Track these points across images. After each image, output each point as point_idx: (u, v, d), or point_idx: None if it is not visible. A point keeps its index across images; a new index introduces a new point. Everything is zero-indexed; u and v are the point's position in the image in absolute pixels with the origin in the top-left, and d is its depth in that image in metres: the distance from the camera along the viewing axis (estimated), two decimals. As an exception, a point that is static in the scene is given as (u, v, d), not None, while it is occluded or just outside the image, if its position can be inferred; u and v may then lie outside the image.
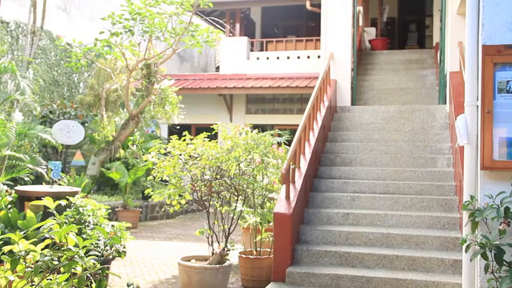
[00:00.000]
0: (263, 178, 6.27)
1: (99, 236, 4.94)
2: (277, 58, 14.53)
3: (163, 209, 11.37)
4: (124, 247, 5.21)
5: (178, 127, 12.05)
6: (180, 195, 6.14)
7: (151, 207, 11.38)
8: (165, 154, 6.71)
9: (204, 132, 6.20)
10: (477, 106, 3.93)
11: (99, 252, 4.76)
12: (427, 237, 5.51)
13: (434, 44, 11.76)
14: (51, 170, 7.08)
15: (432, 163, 6.98)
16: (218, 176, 5.86)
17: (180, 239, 9.06)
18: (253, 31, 16.57)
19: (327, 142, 7.77)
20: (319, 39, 11.61)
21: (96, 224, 5.26)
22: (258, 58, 14.80)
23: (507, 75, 3.81)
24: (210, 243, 5.75)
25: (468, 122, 3.97)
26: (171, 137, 6.51)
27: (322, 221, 6.10)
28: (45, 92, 12.45)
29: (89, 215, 5.23)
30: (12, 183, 8.43)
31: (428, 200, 6.19)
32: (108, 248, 5.00)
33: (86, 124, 11.70)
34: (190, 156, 6.06)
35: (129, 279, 5.47)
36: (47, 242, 3.03)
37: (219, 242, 5.78)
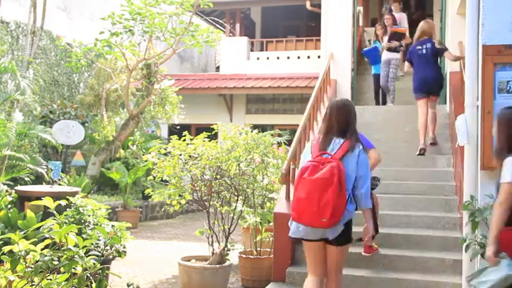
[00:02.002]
0: (263, 178, 6.27)
1: (99, 236, 4.94)
2: (278, 58, 14.53)
3: (163, 209, 11.38)
4: (124, 247, 5.21)
5: (178, 127, 12.05)
6: (180, 195, 6.14)
7: (151, 207, 11.38)
8: (165, 154, 6.70)
9: (204, 132, 6.19)
10: (477, 106, 3.93)
11: (99, 252, 4.76)
12: (427, 237, 5.51)
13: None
14: (51, 170, 7.07)
15: (432, 163, 6.98)
16: (218, 176, 5.86)
17: (180, 239, 9.05)
18: (253, 31, 16.57)
19: (327, 142, 7.75)
20: (319, 39, 11.60)
21: (96, 224, 5.26)
22: (258, 58, 14.79)
23: (507, 75, 3.81)
24: (210, 243, 5.75)
25: (468, 122, 3.97)
26: (171, 137, 6.51)
27: (322, 221, 6.08)
28: (45, 92, 12.45)
29: (89, 215, 5.23)
30: (12, 183, 8.43)
31: (429, 200, 6.18)
32: (108, 248, 5.00)
33: (86, 124, 11.70)
34: (190, 156, 6.06)
35: (129, 279, 5.48)
36: (47, 242, 3.02)
37: (219, 242, 5.78)
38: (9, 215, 5.58)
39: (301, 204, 3.58)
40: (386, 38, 9.31)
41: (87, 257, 2.92)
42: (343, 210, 3.53)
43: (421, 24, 7.19)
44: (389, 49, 9.09)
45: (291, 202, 3.76)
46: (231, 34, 15.49)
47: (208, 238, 5.79)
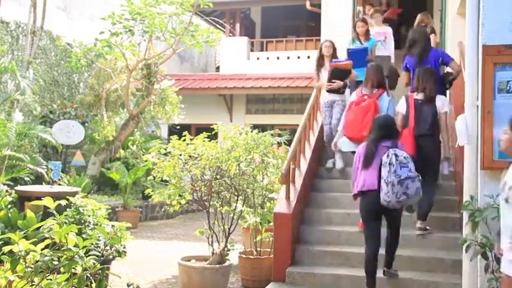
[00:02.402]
0: (263, 178, 6.27)
1: (99, 236, 4.94)
2: (277, 58, 14.52)
3: (163, 209, 11.37)
4: (124, 247, 5.21)
5: (178, 127, 12.05)
6: (180, 195, 6.14)
7: (151, 207, 11.38)
8: (165, 154, 6.71)
9: (204, 132, 6.19)
10: (477, 106, 3.93)
11: (99, 252, 4.76)
12: (427, 237, 5.51)
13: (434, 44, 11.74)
14: (51, 170, 7.07)
15: (432, 163, 6.96)
16: (218, 176, 5.87)
17: (180, 239, 9.05)
18: (253, 31, 16.56)
19: (327, 142, 7.76)
20: (319, 39, 11.60)
21: (96, 224, 5.26)
22: (258, 58, 14.79)
23: (507, 75, 3.81)
24: (210, 243, 5.75)
25: (468, 122, 3.97)
26: (171, 137, 6.51)
27: (323, 221, 6.09)
28: (45, 92, 12.45)
29: (89, 215, 5.23)
30: (12, 183, 8.43)
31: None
32: (108, 248, 5.00)
33: (86, 124, 11.70)
34: (190, 156, 6.06)
35: (129, 279, 5.48)
36: (47, 242, 3.02)
37: (219, 242, 5.78)
38: (9, 215, 5.58)
39: (350, 123, 5.64)
40: (325, 73, 6.88)
41: (87, 257, 2.92)
42: None
43: (419, 15, 7.82)
44: (331, 90, 6.79)
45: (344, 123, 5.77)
46: (231, 34, 15.48)
47: (208, 238, 5.79)
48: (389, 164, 4.41)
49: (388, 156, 4.47)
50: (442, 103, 5.44)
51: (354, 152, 5.43)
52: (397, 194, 4.36)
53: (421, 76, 5.47)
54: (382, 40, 7.83)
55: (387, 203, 4.43)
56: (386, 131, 4.69)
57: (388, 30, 8.05)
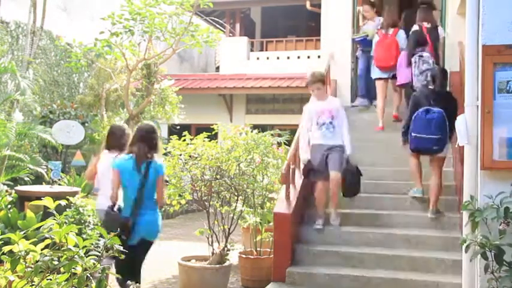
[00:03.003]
0: (263, 178, 6.27)
1: (99, 236, 4.93)
2: (277, 58, 14.52)
3: (163, 209, 11.33)
4: (124, 247, 5.20)
5: (178, 127, 12.03)
6: (180, 195, 6.15)
7: (151, 207, 11.36)
8: (165, 154, 6.71)
9: (204, 132, 6.20)
10: (477, 106, 3.93)
11: (99, 252, 4.76)
12: (427, 237, 5.51)
13: (434, 44, 11.72)
14: (51, 170, 7.07)
15: (432, 163, 6.96)
16: (218, 176, 5.87)
17: (180, 239, 9.05)
18: (253, 31, 16.56)
19: (327, 142, 7.74)
20: (319, 39, 11.60)
21: (96, 224, 5.26)
22: (258, 58, 14.78)
23: (507, 75, 3.80)
24: (210, 243, 5.75)
25: (468, 122, 3.97)
26: (171, 137, 6.52)
27: (322, 221, 6.08)
28: (45, 92, 12.45)
29: (89, 215, 5.23)
30: (12, 183, 8.43)
31: (428, 199, 6.17)
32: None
33: (86, 124, 11.69)
34: (190, 156, 6.06)
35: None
36: (47, 242, 3.02)
37: (219, 242, 5.78)
38: (9, 215, 5.59)
39: (381, 55, 7.60)
40: None
41: (87, 257, 2.92)
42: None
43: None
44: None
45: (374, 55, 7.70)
46: (231, 34, 15.48)
47: (208, 238, 5.79)
48: (415, 62, 6.88)
49: (414, 58, 6.91)
50: (441, 31, 7.50)
51: (379, 79, 7.71)
52: (421, 82, 6.42)
53: (425, 12, 7.32)
54: (328, 122, 5.57)
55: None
56: (417, 42, 7.03)
57: (335, 104, 5.71)
